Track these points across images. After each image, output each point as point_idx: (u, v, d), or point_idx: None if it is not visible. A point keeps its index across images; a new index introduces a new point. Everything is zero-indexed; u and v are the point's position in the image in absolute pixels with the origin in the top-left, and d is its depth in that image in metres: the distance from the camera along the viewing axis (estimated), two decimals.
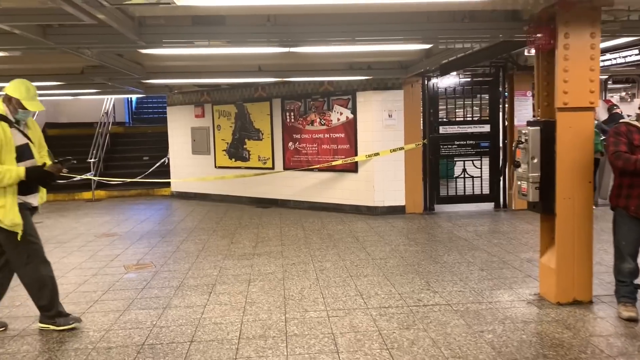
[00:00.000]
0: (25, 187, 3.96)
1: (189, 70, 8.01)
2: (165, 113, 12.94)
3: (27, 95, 3.95)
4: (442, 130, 9.17)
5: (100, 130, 13.58)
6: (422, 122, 9.06)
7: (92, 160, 12.41)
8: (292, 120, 9.93)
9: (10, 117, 3.96)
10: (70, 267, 6.02)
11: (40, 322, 4.17)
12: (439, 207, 9.28)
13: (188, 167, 11.87)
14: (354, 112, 9.10)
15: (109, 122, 14.44)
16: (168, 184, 12.43)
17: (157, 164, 12.74)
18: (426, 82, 9.00)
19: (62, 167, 4.08)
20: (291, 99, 9.94)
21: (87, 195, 12.38)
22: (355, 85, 9.06)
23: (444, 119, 9.31)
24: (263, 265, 5.89)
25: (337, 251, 6.43)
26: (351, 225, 8.09)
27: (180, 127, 12.10)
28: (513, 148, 4.69)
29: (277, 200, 10.29)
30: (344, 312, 4.34)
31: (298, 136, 9.86)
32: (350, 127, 9.16)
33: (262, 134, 10.48)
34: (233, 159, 11.03)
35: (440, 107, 9.27)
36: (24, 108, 3.96)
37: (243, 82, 9.87)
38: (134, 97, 17.04)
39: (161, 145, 13.34)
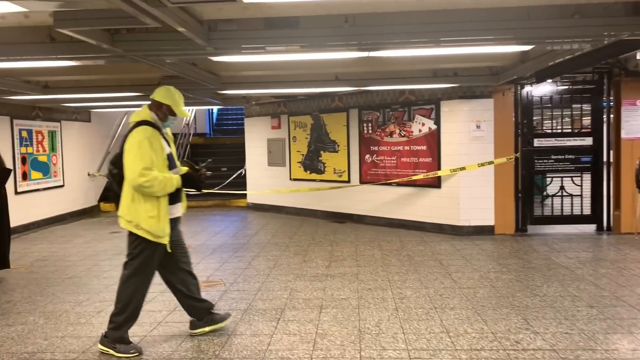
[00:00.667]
0: (172, 196, 3.86)
1: (265, 80, 7.76)
2: (243, 124, 12.92)
3: (178, 101, 3.91)
4: (537, 143, 8.30)
5: (181, 141, 13.80)
6: (514, 134, 8.24)
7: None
8: (370, 131, 9.44)
9: (159, 124, 3.88)
10: None
11: (101, 344, 3.94)
12: (532, 228, 8.38)
13: (264, 179, 11.70)
14: (437, 122, 8.46)
15: (190, 133, 14.66)
16: (244, 196, 12.34)
17: (235, 175, 12.70)
18: (519, 90, 8.19)
19: (206, 171, 4.00)
20: (369, 110, 9.46)
21: None
22: (440, 94, 8.42)
23: (539, 131, 8.43)
24: (336, 289, 5.41)
25: (419, 276, 5.83)
26: (433, 246, 7.44)
27: (257, 138, 11.99)
28: (637, 166, 3.92)
29: (353, 216, 9.81)
30: (428, 353, 3.76)
31: (376, 148, 9.35)
32: (433, 139, 8.52)
33: (338, 146, 10.07)
34: (308, 171, 10.71)
35: (534, 118, 8.42)
36: (174, 114, 3.90)
37: (319, 92, 9.53)
38: (215, 108, 17.29)
39: (239, 156, 13.32)
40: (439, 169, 8.43)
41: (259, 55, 4.86)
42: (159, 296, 5.30)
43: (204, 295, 5.16)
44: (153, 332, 4.30)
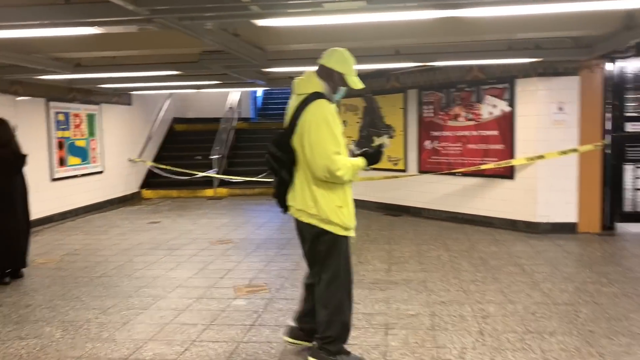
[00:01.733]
0: None
1: (314, 56, 6.87)
2: None
3: (352, 69, 3.19)
4: (630, 127, 7.10)
5: (224, 125, 13.14)
6: (602, 117, 7.07)
7: (216, 156, 11.95)
8: (431, 114, 8.44)
9: (331, 97, 3.18)
10: (175, 285, 5.16)
11: (315, 357, 3.23)
12: (620, 226, 7.23)
13: None
14: (511, 104, 7.37)
15: (234, 118, 14.00)
16: None
17: None
18: (609, 66, 7.00)
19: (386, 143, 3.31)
20: (430, 90, 8.45)
21: (209, 192, 11.97)
22: (515, 71, 7.32)
23: (633, 113, 7.22)
24: (402, 300, 4.53)
25: (500, 286, 4.87)
26: (508, 246, 6.43)
27: None
28: None
29: (409, 208, 8.87)
30: None
31: (438, 134, 8.35)
32: (506, 123, 7.45)
33: (394, 131, 9.11)
34: None
35: (627, 98, 7.20)
36: (346, 85, 3.18)
37: (375, 69, 8.57)
38: (260, 91, 16.59)
39: None
40: (513, 157, 7.37)
41: (313, 15, 3.98)
42: (194, 304, 4.57)
43: (245, 302, 4.38)
44: (185, 355, 3.55)
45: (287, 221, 8.65)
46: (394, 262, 5.83)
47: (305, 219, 3.15)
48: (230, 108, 13.77)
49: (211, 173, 11.65)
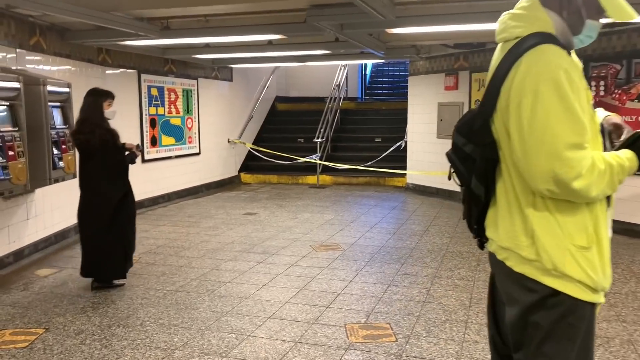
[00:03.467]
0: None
1: (451, 11, 5.22)
2: (402, 87, 10.58)
3: None
4: None
5: (329, 106, 11.81)
6: None
7: (320, 140, 10.67)
8: (603, 92, 6.44)
9: (570, 41, 1.66)
10: (268, 314, 3.87)
11: None
12: None
13: (430, 155, 9.24)
14: None
15: (340, 97, 12.62)
16: (403, 174, 10.02)
17: (392, 148, 10.39)
18: None
19: None
20: (602, 61, 6.43)
21: (311, 179, 10.75)
22: None
23: None
24: None
25: None
26: None
27: (423, 102, 9.51)
28: None
29: None
30: None
31: None
32: None
33: None
34: None
35: None
36: (601, 15, 1.62)
37: None
38: (368, 67, 15.11)
39: (396, 125, 11.00)
40: None
41: None
42: (290, 353, 3.23)
43: (361, 356, 2.91)
44: None
45: (403, 221, 7.13)
46: None
47: (514, 265, 1.65)
48: (337, 86, 12.40)
49: (314, 158, 10.41)
